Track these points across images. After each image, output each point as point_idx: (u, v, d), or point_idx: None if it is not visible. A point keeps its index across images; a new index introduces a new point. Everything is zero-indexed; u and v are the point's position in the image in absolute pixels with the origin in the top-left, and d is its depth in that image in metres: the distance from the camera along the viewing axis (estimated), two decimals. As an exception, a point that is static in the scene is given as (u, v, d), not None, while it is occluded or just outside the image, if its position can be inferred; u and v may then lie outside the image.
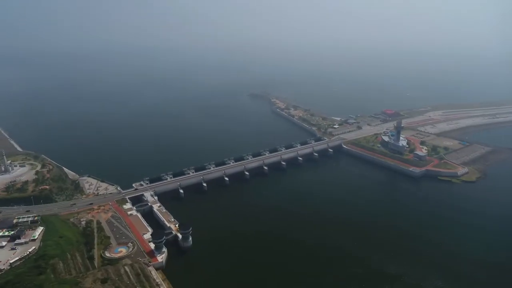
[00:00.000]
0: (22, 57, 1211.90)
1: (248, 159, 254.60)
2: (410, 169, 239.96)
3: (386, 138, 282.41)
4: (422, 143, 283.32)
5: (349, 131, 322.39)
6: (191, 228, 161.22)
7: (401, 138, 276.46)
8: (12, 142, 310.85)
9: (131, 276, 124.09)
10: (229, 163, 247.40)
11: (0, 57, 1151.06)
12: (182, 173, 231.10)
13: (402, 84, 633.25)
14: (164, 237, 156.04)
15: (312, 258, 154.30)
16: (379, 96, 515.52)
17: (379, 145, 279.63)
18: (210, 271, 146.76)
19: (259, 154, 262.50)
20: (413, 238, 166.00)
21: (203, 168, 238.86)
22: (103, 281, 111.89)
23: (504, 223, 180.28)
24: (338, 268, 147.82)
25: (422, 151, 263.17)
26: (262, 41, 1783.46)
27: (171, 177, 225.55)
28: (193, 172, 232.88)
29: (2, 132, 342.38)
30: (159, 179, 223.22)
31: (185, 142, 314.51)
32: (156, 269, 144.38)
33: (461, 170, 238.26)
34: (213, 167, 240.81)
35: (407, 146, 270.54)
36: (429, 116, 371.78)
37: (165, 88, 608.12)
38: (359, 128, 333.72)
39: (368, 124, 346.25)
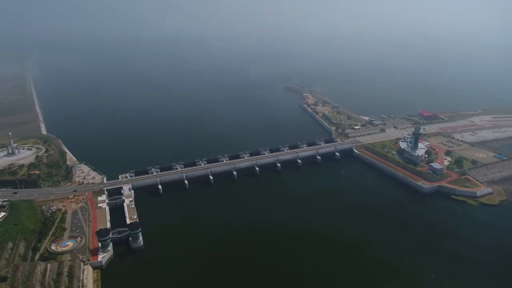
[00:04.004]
0: (85, 42, 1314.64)
1: (243, 157, 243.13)
2: (419, 183, 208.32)
3: (403, 145, 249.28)
4: (448, 153, 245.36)
5: (369, 134, 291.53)
6: (140, 229, 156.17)
7: (420, 146, 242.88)
8: (41, 124, 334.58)
9: (47, 275, 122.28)
10: (222, 161, 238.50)
11: (64, 43, 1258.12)
12: (170, 168, 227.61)
13: (464, 79, 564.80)
14: (110, 235, 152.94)
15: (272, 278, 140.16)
16: (428, 95, 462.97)
17: (394, 152, 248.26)
18: (153, 275, 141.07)
19: (257, 153, 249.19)
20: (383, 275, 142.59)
21: (193, 164, 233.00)
22: (2, 280, 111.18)
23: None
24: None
25: (443, 163, 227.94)
26: (332, 30, 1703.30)
27: (157, 171, 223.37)
28: (181, 168, 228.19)
29: (38, 114, 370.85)
30: (145, 172, 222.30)
31: (196, 135, 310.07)
32: (94, 268, 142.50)
33: (482, 190, 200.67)
34: (204, 163, 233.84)
35: (426, 155, 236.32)
36: (471, 122, 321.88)
37: (213, 77, 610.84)
38: (383, 130, 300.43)
39: (395, 127, 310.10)
